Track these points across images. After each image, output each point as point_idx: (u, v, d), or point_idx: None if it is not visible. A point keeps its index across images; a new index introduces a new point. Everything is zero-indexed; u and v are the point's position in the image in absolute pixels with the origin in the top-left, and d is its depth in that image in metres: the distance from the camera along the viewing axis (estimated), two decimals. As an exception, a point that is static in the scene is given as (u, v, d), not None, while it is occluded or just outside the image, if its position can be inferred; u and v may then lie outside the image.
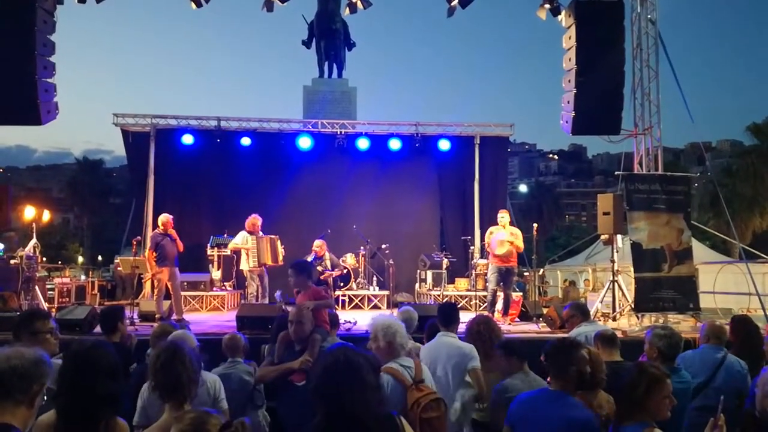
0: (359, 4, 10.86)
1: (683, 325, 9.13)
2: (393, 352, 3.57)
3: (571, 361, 3.06)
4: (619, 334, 5.91)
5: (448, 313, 4.67)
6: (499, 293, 9.62)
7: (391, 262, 11.78)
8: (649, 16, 10.86)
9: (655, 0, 10.87)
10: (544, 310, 9.87)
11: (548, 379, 3.23)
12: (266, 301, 9.74)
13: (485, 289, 10.53)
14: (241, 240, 9.93)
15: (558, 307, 8.86)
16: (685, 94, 10.68)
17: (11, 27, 9.07)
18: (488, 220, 12.14)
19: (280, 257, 9.99)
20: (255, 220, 9.97)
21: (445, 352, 4.26)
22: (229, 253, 12.42)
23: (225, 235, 12.50)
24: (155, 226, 10.28)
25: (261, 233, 9.97)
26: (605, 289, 9.95)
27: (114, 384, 2.43)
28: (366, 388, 2.36)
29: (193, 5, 10.45)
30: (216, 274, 12.32)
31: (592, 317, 6.63)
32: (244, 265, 9.94)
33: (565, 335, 3.35)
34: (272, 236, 10.11)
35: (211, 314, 11.18)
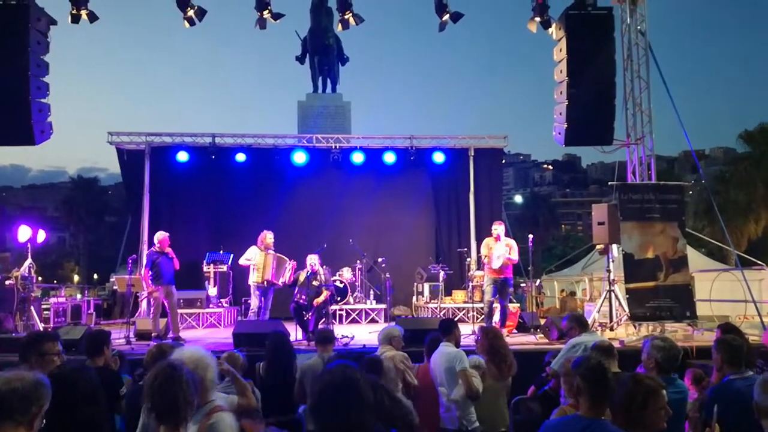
0: (351, 20, 10.92)
1: (680, 333, 9.14)
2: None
3: (610, 389, 2.89)
4: (616, 344, 5.93)
5: (445, 326, 5.23)
6: (495, 305, 9.62)
7: (387, 275, 11.76)
8: (638, 27, 10.97)
9: (645, 11, 10.99)
10: (542, 321, 9.87)
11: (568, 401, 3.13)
12: (266, 318, 9.71)
13: (482, 300, 10.52)
14: (250, 254, 9.91)
15: (556, 319, 8.85)
16: (676, 103, 10.76)
17: (4, 48, 9.10)
18: (484, 232, 12.14)
19: (282, 279, 9.91)
20: (265, 235, 9.98)
21: (441, 359, 4.78)
22: (225, 269, 12.41)
23: (221, 252, 12.49)
24: (151, 243, 10.26)
25: (272, 250, 9.95)
26: (602, 299, 9.96)
27: (94, 408, 2.44)
28: (364, 405, 2.35)
29: (186, 24, 10.50)
30: (212, 290, 12.28)
31: (590, 327, 6.65)
32: (250, 279, 9.93)
33: (595, 360, 3.13)
34: (284, 258, 10.05)
35: (208, 331, 11.14)
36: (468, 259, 12.53)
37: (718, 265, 16.52)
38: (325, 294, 9.35)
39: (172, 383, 2.70)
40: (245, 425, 3.32)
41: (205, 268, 12.43)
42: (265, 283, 9.74)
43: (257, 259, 9.77)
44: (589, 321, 8.58)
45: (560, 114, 10.35)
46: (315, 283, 9.43)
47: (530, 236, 10.88)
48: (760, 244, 25.27)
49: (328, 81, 15.31)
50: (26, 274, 9.67)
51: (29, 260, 9.85)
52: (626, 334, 9.21)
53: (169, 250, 9.29)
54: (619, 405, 2.85)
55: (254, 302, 9.85)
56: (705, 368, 5.47)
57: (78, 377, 2.48)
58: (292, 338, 7.96)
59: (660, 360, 3.90)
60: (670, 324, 9.38)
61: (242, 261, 10.09)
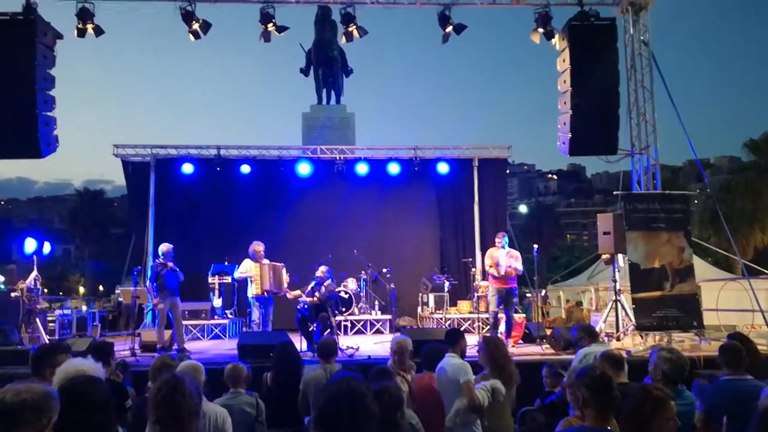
0: (355, 33, 10.97)
1: (687, 343, 9.08)
2: None
3: (615, 399, 2.89)
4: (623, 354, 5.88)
5: (451, 337, 5.17)
6: (500, 315, 9.58)
7: (392, 285, 11.73)
8: (641, 38, 10.99)
9: (648, 22, 11.01)
10: (548, 332, 9.82)
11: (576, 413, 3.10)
12: (269, 329, 9.70)
13: (488, 311, 10.49)
14: (244, 267, 9.92)
15: (562, 330, 8.80)
16: (680, 112, 10.76)
17: (12, 62, 9.19)
18: (488, 242, 12.13)
19: (284, 285, 9.95)
20: (257, 246, 9.97)
21: (446, 370, 4.69)
22: (229, 281, 12.41)
23: (226, 263, 12.50)
24: (156, 255, 10.28)
25: (265, 260, 9.95)
26: (608, 309, 9.91)
27: (106, 418, 2.44)
28: (369, 418, 2.34)
29: (192, 37, 10.57)
30: (217, 302, 12.29)
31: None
32: (249, 292, 9.93)
33: (599, 370, 3.12)
34: (276, 263, 10.07)
35: (213, 343, 11.12)
36: (473, 270, 12.50)
37: (724, 274, 16.41)
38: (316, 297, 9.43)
39: (176, 395, 2.69)
40: None
41: (209, 280, 12.43)
42: (265, 293, 9.74)
43: (253, 271, 9.76)
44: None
45: (564, 124, 10.35)
46: (317, 294, 9.45)
47: (535, 246, 10.85)
48: (767, 253, 25.13)
49: (333, 93, 15.37)
50: (32, 286, 9.70)
51: (35, 272, 9.89)
52: (633, 344, 9.15)
53: (170, 264, 9.27)
54: (628, 415, 2.83)
55: (255, 314, 9.87)
56: (712, 378, 5.42)
57: (90, 388, 2.48)
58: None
59: (667, 371, 3.87)
60: (677, 334, 9.32)
61: (237, 275, 10.14)
